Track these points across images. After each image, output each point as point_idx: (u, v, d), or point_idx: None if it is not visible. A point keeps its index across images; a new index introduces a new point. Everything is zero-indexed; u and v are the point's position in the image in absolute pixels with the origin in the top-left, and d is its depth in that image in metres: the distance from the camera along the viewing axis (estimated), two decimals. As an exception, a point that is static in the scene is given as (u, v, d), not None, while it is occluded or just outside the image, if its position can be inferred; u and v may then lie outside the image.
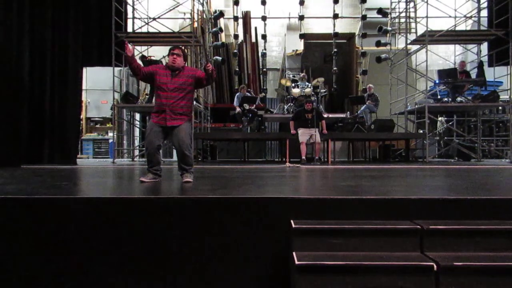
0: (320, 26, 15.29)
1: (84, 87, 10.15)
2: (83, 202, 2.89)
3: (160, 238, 2.75)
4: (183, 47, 4.42)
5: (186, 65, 4.33)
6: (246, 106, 11.15)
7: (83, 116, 13.53)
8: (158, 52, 12.11)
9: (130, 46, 4.22)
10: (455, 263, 2.27)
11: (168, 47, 11.86)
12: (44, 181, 4.41)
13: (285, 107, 12.23)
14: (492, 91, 10.35)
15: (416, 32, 12.18)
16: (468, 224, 2.61)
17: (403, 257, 2.37)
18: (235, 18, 14.39)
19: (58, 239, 2.75)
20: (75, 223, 2.78)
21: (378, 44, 12.66)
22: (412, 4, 12.10)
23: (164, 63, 11.13)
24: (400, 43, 12.90)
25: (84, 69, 9.68)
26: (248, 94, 11.90)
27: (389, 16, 12.91)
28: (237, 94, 11.90)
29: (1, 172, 5.86)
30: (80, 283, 2.71)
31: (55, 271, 2.72)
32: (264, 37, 14.23)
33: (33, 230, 2.76)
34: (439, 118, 12.24)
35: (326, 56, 14.77)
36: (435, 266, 2.24)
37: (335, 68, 13.78)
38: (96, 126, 15.07)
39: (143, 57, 11.06)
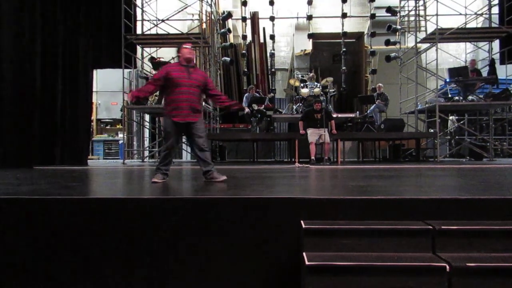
0: (329, 26, 15.24)
1: (94, 89, 10.28)
2: (94, 203, 2.91)
3: (170, 238, 2.76)
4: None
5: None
6: (255, 107, 11.16)
7: (93, 117, 13.67)
8: (167, 54, 12.19)
9: (130, 95, 4.32)
10: (468, 264, 2.24)
11: (176, 49, 12.02)
12: (55, 182, 4.46)
13: (294, 107, 12.21)
14: (504, 89, 10.22)
15: (426, 30, 12.09)
16: (481, 224, 2.57)
17: (415, 258, 2.35)
18: (243, 19, 14.42)
19: (69, 238, 2.78)
20: (86, 223, 2.81)
21: (388, 43, 12.57)
22: (421, 2, 12.00)
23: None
24: (410, 41, 12.79)
25: (94, 71, 9.80)
26: (257, 95, 11.91)
27: (398, 14, 12.82)
28: (246, 94, 11.91)
29: (14, 173, 5.94)
30: (88, 281, 2.74)
31: (65, 270, 2.75)
32: (272, 37, 14.23)
33: (45, 230, 2.80)
34: (450, 117, 12.12)
35: (335, 56, 14.72)
36: (447, 267, 2.22)
37: (344, 68, 13.71)
38: (107, 127, 15.21)
39: (152, 59, 11.13)
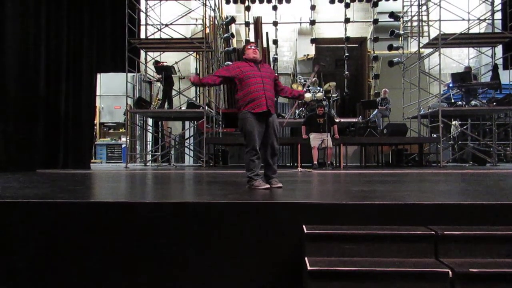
0: (332, 31, 15.27)
1: (97, 92, 10.30)
2: (96, 206, 2.92)
3: (171, 242, 2.76)
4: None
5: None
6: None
7: (96, 121, 13.71)
8: (171, 58, 12.23)
9: (192, 77, 4.12)
10: (471, 270, 2.23)
11: (180, 53, 12.08)
12: (58, 186, 4.47)
13: (297, 111, 12.22)
14: (507, 94, 10.20)
15: (428, 36, 12.09)
16: (484, 230, 2.56)
17: (418, 263, 2.34)
18: (247, 24, 14.47)
19: (71, 242, 2.79)
20: (88, 227, 2.81)
21: (390, 48, 12.59)
22: (424, 8, 12.02)
23: (177, 69, 11.19)
24: (413, 46, 12.82)
25: (98, 75, 9.83)
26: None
27: (401, 19, 12.84)
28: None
29: (17, 176, 5.97)
30: (90, 285, 2.74)
31: (66, 274, 2.75)
32: (275, 42, 14.27)
33: (47, 233, 2.80)
34: (453, 122, 12.09)
35: (338, 61, 14.73)
36: (450, 273, 2.21)
37: (346, 73, 13.72)
38: (110, 131, 15.25)
39: (156, 63, 11.19)
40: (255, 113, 3.94)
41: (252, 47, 4.20)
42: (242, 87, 4.03)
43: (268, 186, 3.94)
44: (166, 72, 10.74)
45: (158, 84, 11.76)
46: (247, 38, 14.52)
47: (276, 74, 4.49)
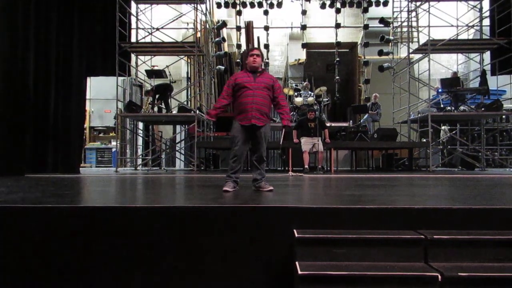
0: (322, 36, 15.37)
1: (87, 96, 10.21)
2: (86, 211, 2.88)
3: (162, 247, 2.74)
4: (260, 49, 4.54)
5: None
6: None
7: (86, 125, 13.59)
8: (162, 62, 12.20)
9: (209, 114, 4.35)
10: (460, 274, 2.24)
11: (171, 57, 12.05)
12: (47, 190, 4.41)
13: (288, 116, 12.23)
14: (495, 99, 10.34)
15: (418, 41, 12.24)
16: (472, 234, 2.58)
17: (407, 268, 2.35)
18: (238, 28, 14.51)
19: (60, 247, 2.75)
20: (77, 231, 2.78)
21: (381, 53, 12.71)
22: (414, 14, 12.17)
23: (166, 75, 11.17)
24: (402, 52, 12.94)
25: (88, 79, 9.76)
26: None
27: (391, 25, 12.98)
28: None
29: (6, 180, 5.88)
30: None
31: (55, 279, 2.71)
32: (266, 46, 14.32)
33: (36, 238, 2.76)
34: (442, 127, 12.22)
35: (329, 65, 14.84)
36: (439, 277, 2.22)
37: (337, 77, 13.82)
38: (100, 135, 15.12)
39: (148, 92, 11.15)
40: (241, 124, 4.12)
41: (254, 54, 4.20)
42: (236, 97, 4.21)
43: (228, 189, 4.03)
44: (162, 88, 10.70)
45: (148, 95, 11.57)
46: (239, 43, 14.55)
47: (280, 84, 4.56)
